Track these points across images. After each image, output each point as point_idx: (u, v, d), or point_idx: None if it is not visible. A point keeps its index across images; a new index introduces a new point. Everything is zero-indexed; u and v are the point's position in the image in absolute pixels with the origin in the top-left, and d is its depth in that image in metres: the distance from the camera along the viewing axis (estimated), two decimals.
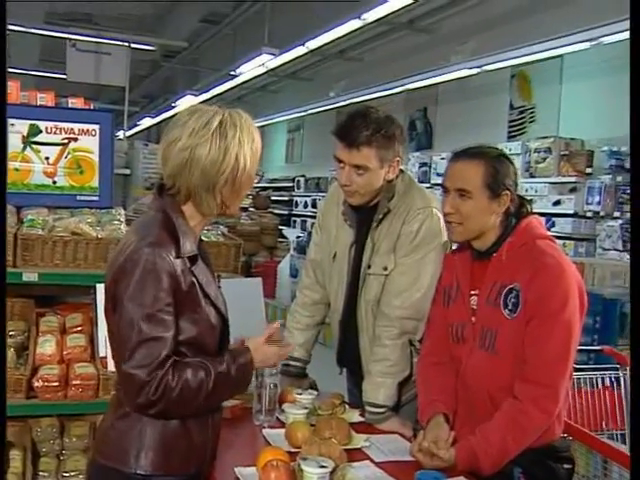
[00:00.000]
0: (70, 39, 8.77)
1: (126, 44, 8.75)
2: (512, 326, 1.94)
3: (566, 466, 2.00)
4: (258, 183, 12.98)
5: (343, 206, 2.44)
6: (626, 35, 5.15)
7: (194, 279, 1.66)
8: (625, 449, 2.86)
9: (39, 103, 3.49)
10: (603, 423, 2.97)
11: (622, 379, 2.99)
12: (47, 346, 2.74)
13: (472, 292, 2.06)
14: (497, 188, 1.98)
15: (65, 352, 2.75)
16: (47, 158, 3.23)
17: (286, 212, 11.93)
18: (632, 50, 1.58)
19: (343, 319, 2.47)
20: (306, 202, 11.36)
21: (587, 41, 5.53)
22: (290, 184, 12.14)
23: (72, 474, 2.70)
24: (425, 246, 2.29)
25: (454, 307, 2.12)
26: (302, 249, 8.54)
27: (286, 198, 12.19)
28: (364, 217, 2.40)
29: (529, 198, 2.17)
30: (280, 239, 10.52)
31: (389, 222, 2.35)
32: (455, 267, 2.15)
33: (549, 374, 1.90)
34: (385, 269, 2.33)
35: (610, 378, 2.99)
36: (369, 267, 2.36)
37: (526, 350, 1.91)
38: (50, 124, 3.23)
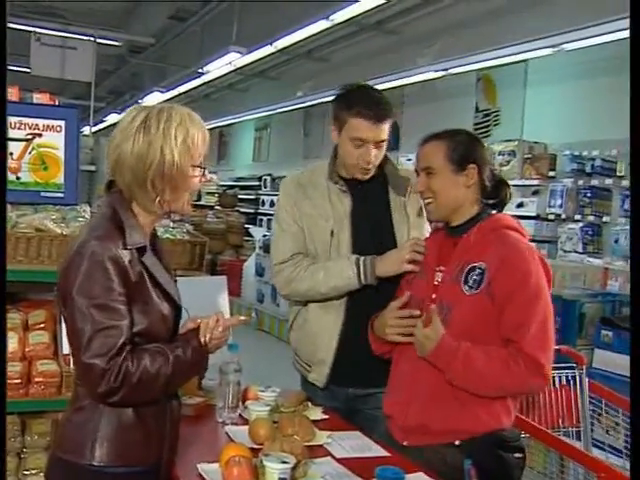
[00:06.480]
0: (35, 32, 8.65)
1: (92, 39, 8.66)
2: (469, 302, 1.97)
3: (517, 455, 2.03)
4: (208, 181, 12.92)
5: (331, 180, 2.45)
6: (587, 42, 5.27)
7: (143, 270, 1.68)
8: (580, 446, 2.94)
9: None
10: (560, 420, 3.04)
11: (578, 378, 3.07)
12: (9, 343, 2.71)
13: (437, 268, 2.10)
14: (460, 161, 2.06)
15: (27, 349, 2.74)
16: (11, 154, 3.20)
17: (252, 211, 11.92)
18: (632, 52, 1.62)
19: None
20: (272, 201, 11.34)
21: (550, 47, 5.63)
22: (257, 183, 12.12)
23: (33, 472, 2.69)
24: None
25: (417, 283, 2.17)
26: (268, 248, 8.53)
27: (253, 197, 12.17)
28: (359, 188, 2.45)
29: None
30: (246, 238, 10.52)
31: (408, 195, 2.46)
32: (427, 245, 2.22)
33: (536, 349, 1.91)
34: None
35: (567, 377, 3.06)
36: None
37: (508, 334, 1.93)
38: (14, 119, 3.19)
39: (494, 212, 2.14)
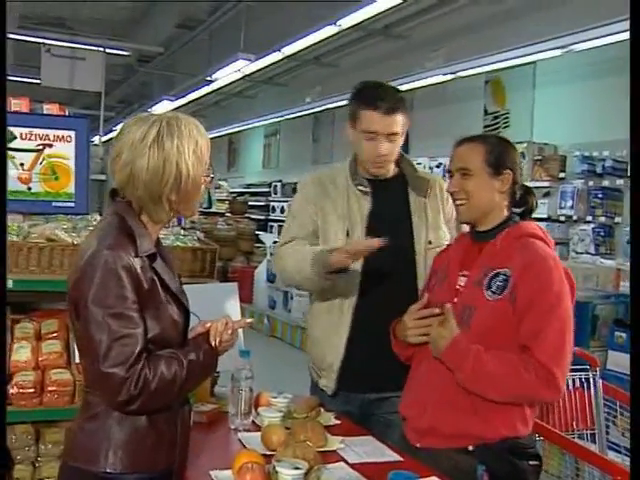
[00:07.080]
0: (44, 44, 8.71)
1: (101, 49, 8.70)
2: (491, 307, 1.97)
3: (532, 462, 2.01)
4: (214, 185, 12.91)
5: (353, 181, 2.45)
6: (596, 43, 5.26)
7: (155, 276, 1.69)
8: (595, 448, 2.92)
9: (14, 109, 3.47)
10: (574, 423, 3.02)
11: (592, 380, 3.05)
12: (22, 353, 2.73)
13: (461, 273, 2.10)
14: (497, 166, 2.06)
15: (40, 358, 2.75)
16: (22, 164, 3.22)
17: (263, 217, 11.93)
18: (632, 53, 1.61)
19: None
20: (283, 207, 11.35)
21: (558, 48, 5.62)
22: (267, 189, 12.14)
23: None
24: None
25: (439, 288, 2.16)
26: None
27: (263, 203, 12.19)
28: (380, 188, 2.45)
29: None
30: (257, 244, 10.53)
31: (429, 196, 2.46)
32: (450, 250, 2.23)
33: (550, 359, 1.90)
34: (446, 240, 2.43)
35: (580, 379, 3.05)
36: (430, 242, 2.41)
37: (524, 340, 1.92)
38: (25, 130, 3.23)
39: (520, 220, 2.13)
